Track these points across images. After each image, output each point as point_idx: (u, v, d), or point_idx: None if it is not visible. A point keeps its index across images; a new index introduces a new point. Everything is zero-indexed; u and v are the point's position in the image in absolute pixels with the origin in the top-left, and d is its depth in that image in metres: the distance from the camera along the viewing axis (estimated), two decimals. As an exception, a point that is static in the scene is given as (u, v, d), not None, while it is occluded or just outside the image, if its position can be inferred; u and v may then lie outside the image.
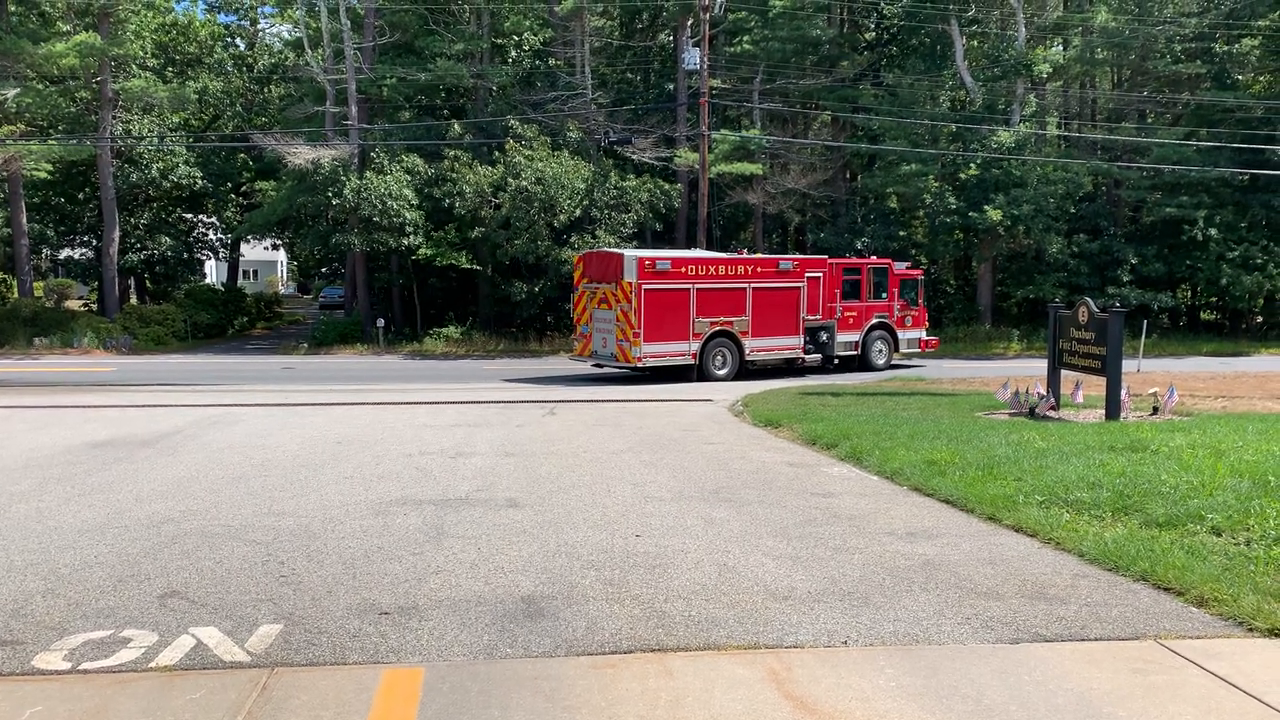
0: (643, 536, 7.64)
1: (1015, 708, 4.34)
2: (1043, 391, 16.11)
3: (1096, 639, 5.24)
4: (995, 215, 35.06)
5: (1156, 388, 17.00)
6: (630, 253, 23.83)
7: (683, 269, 23.49)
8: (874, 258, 30.12)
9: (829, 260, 26.62)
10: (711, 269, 23.96)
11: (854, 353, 26.50)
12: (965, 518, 8.35)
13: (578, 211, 35.02)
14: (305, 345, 36.55)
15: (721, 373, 23.79)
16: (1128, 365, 23.04)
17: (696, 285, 23.46)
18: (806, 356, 25.46)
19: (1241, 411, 16.28)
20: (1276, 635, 5.20)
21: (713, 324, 23.65)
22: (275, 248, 64.88)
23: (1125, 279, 36.97)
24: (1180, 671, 4.76)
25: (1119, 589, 6.14)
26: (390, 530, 7.89)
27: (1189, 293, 42.28)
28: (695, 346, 23.44)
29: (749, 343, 24.26)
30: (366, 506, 8.87)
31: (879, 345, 27.08)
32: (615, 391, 21.00)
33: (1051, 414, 15.36)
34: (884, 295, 27.21)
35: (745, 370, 24.29)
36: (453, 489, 9.73)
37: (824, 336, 25.80)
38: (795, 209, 41.31)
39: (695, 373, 23.47)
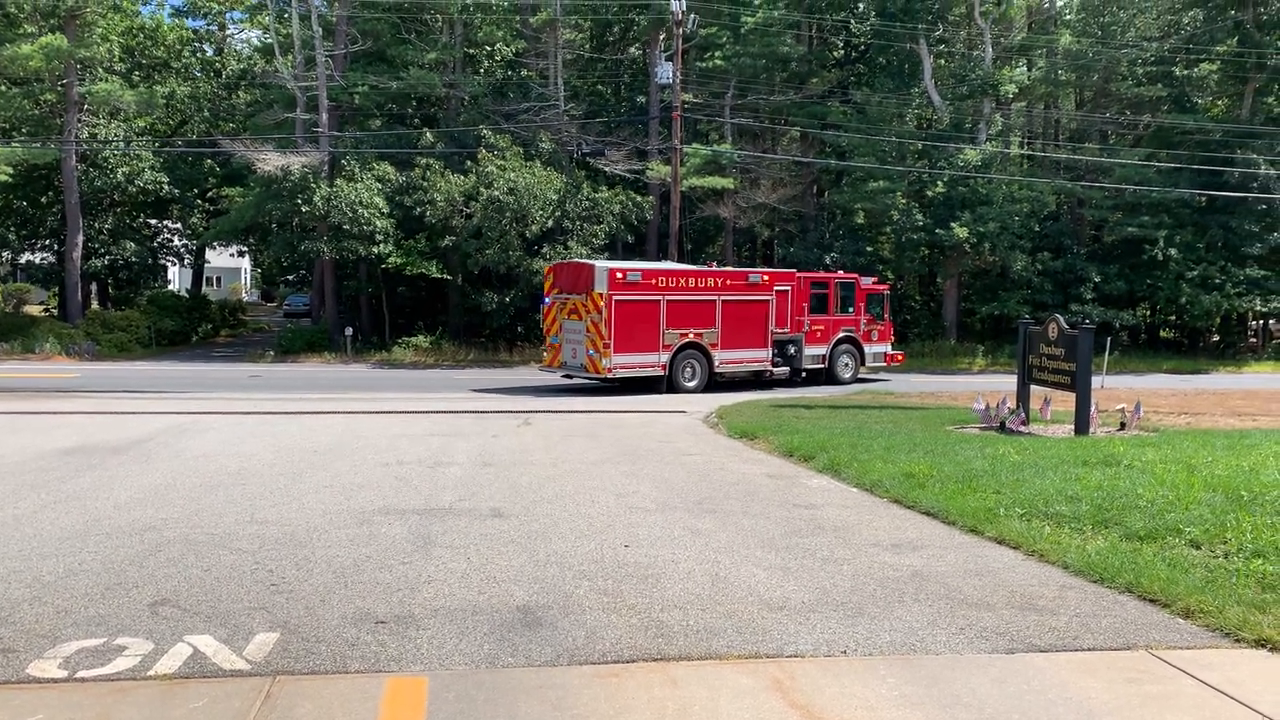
0: (631, 547, 7.65)
1: (1018, 717, 4.41)
2: (1013, 406, 16.33)
3: (1090, 649, 5.33)
4: (961, 232, 35.53)
5: (1123, 404, 17.28)
6: (601, 264, 23.84)
7: (653, 281, 23.51)
8: (841, 272, 30.33)
9: (797, 274, 26.78)
10: (681, 281, 24.00)
11: (821, 366, 26.65)
12: (947, 530, 8.45)
13: (550, 222, 35.05)
14: (272, 353, 36.20)
15: (691, 384, 23.85)
16: (1093, 381, 23.44)
17: (666, 297, 23.49)
18: (774, 369, 25.53)
19: (1206, 428, 16.59)
20: (1263, 646, 5.32)
21: (682, 335, 23.68)
22: (241, 254, 64.27)
23: (1088, 297, 37.60)
24: (1174, 681, 4.86)
25: (1106, 600, 6.25)
26: (377, 539, 7.85)
27: (1149, 311, 43.06)
28: (665, 358, 23.47)
29: (718, 355, 24.30)
30: (350, 515, 8.82)
31: (844, 359, 27.21)
32: (588, 402, 21.02)
33: (1022, 429, 15.55)
34: (851, 310, 27.38)
35: (714, 382, 24.33)
36: (435, 499, 9.69)
37: (792, 350, 25.93)
38: (765, 223, 41.65)
39: (665, 384, 23.47)
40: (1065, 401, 16.00)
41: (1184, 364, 37.68)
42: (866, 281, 28.49)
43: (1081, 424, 14.96)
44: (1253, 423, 18.12)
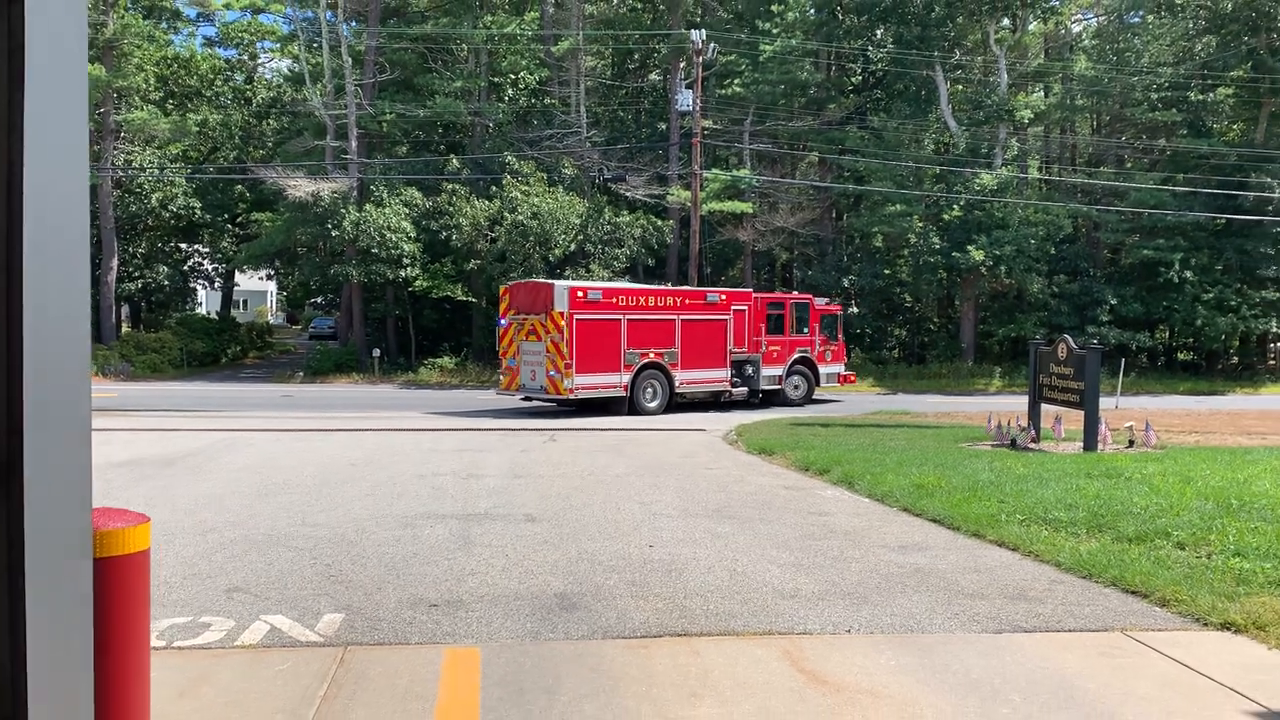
0: (656, 547, 8.28)
1: (999, 681, 5.01)
2: (1024, 424, 16.85)
3: (1070, 630, 5.92)
4: (978, 255, 36.05)
5: (1132, 422, 17.77)
6: (561, 283, 23.57)
7: (614, 299, 23.24)
8: (795, 293, 30.28)
9: (754, 294, 26.69)
10: (642, 300, 23.79)
11: (778, 386, 26.48)
12: (952, 534, 9.02)
13: (572, 246, 35.88)
14: (301, 374, 37.10)
15: (652, 405, 23.52)
16: (1106, 402, 23.81)
17: (627, 316, 23.16)
18: (734, 390, 25.32)
19: (1214, 445, 17.04)
20: (1227, 628, 5.89)
21: (643, 355, 23.35)
22: (268, 278, 65.47)
23: (1104, 319, 37.99)
24: (1143, 656, 5.44)
25: (1091, 592, 6.83)
26: (421, 539, 8.51)
27: (1167, 333, 43.38)
28: (627, 378, 23.11)
29: (679, 375, 24.00)
30: (393, 519, 9.48)
31: (796, 379, 27.00)
32: (608, 422, 21.58)
33: (1032, 445, 16.06)
34: (806, 330, 27.24)
35: (674, 403, 24.10)
36: (471, 505, 10.35)
37: (749, 370, 25.70)
38: (784, 246, 42.34)
39: (627, 405, 23.13)
40: (1077, 420, 16.49)
41: (1201, 385, 37.98)
42: (820, 302, 28.56)
43: (1090, 441, 15.45)
44: (1261, 441, 18.52)
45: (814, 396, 27.72)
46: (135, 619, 2.95)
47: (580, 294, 22.76)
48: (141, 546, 2.95)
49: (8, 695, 1.62)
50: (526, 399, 24.06)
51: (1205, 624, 6.01)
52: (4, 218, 1.55)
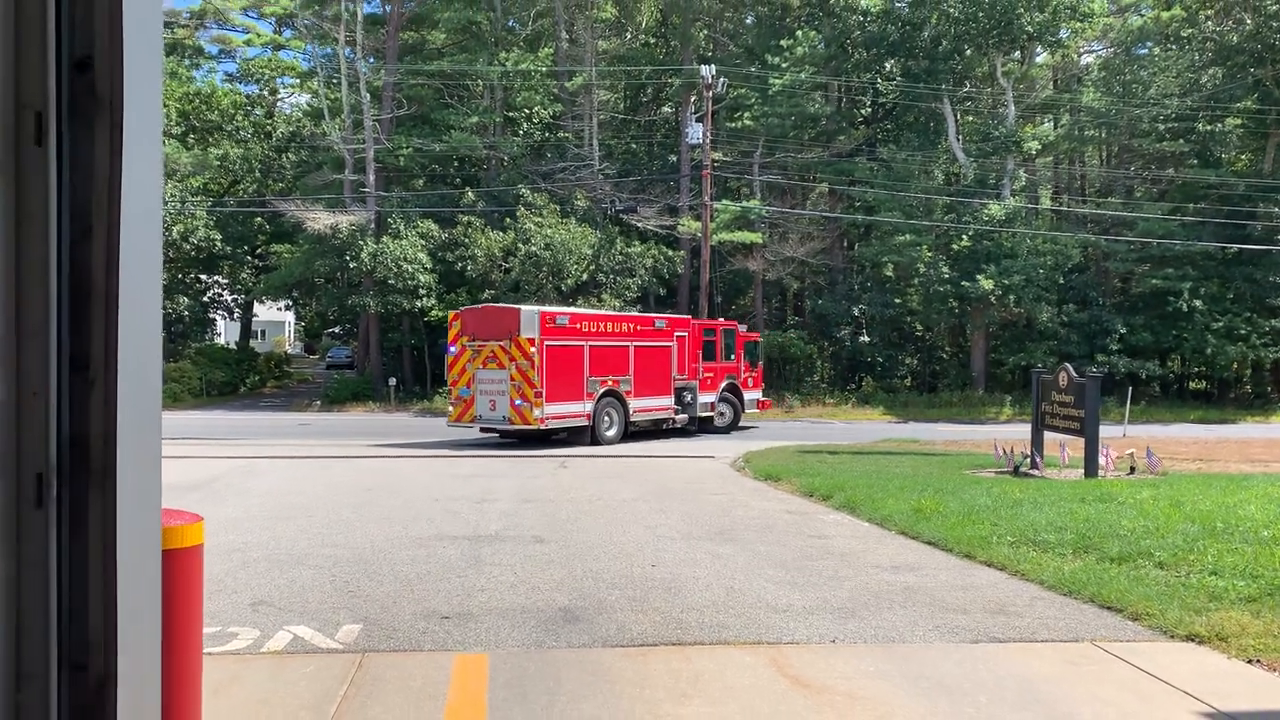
0: (658, 566, 8.66)
1: (969, 685, 5.37)
2: (1027, 451, 17.17)
3: (1043, 641, 6.28)
4: (987, 285, 36.40)
5: (1133, 449, 18.06)
6: (528, 307, 22.45)
7: (578, 325, 22.47)
8: (723, 320, 30.31)
9: (691, 320, 26.84)
10: (601, 326, 23.25)
11: (711, 414, 26.18)
12: (945, 555, 9.37)
13: (585, 276, 36.44)
14: (318, 403, 37.67)
15: (610, 434, 22.88)
16: (1114, 430, 24.12)
17: (589, 343, 22.41)
18: (676, 418, 24.94)
19: (1215, 472, 17.30)
20: (1192, 640, 6.24)
21: (603, 383, 22.69)
22: (288, 308, 66.30)
23: (1114, 348, 38.23)
24: (1108, 663, 5.79)
25: (1069, 608, 7.17)
26: (434, 558, 8.92)
27: (1177, 362, 43.52)
28: (589, 407, 22.32)
29: (633, 403, 23.45)
30: (408, 541, 9.90)
31: (723, 406, 26.82)
32: (616, 449, 21.93)
33: (1035, 472, 16.37)
34: (732, 357, 27.21)
35: (628, 432, 23.47)
36: (482, 528, 10.76)
37: (688, 397, 25.36)
38: (794, 276, 42.80)
39: (589, 435, 22.38)
40: (1081, 448, 16.78)
41: (1211, 414, 38.08)
42: (742, 329, 28.68)
43: (1090, 467, 15.74)
44: (1264, 468, 18.75)
45: (739, 424, 27.58)
46: (191, 604, 3.38)
47: (550, 319, 21.77)
48: (197, 541, 3.38)
49: (100, 660, 2.01)
50: (486, 430, 22.84)
51: (1172, 636, 6.35)
52: (103, 267, 1.98)
